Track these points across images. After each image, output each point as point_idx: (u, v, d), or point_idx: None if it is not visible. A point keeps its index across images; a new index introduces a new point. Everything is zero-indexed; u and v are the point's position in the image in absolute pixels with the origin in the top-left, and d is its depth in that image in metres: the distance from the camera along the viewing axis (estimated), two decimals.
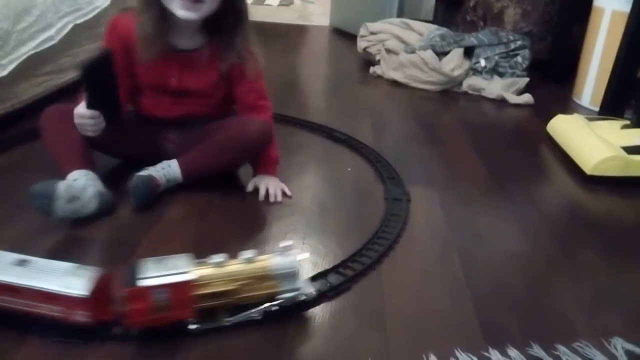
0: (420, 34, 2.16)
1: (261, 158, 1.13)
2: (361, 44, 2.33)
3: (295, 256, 0.77)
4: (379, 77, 2.15)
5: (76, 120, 0.96)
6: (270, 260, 0.76)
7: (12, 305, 0.70)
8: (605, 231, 1.10)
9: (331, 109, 1.81)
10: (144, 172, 1.03)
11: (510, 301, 0.85)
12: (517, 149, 1.53)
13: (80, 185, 0.97)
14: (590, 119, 1.52)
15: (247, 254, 0.77)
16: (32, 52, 1.36)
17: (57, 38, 1.46)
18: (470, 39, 2.02)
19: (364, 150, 1.39)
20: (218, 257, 0.76)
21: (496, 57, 1.99)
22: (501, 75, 2.00)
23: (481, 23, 2.30)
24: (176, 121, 1.13)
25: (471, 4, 2.30)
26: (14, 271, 0.71)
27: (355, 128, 1.55)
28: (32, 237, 0.92)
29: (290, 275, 0.76)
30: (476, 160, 1.41)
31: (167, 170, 1.06)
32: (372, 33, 2.30)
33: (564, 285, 0.91)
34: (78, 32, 1.57)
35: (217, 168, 1.09)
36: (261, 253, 0.79)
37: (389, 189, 1.17)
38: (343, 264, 0.89)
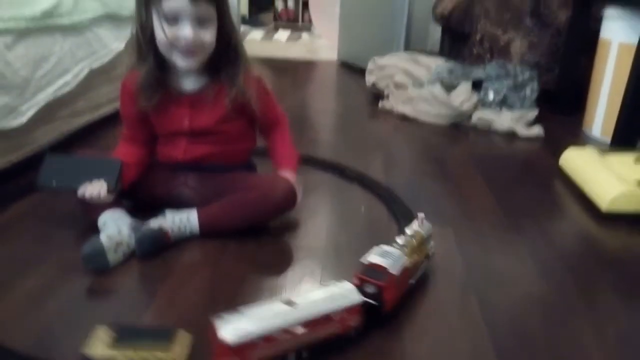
0: (428, 68, 2.19)
1: (280, 170, 1.18)
2: (369, 78, 2.36)
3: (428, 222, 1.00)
4: (388, 111, 2.17)
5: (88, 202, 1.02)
6: (424, 227, 0.99)
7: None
8: (625, 269, 1.09)
9: (342, 144, 1.82)
10: (154, 224, 1.04)
11: (532, 348, 0.84)
12: (529, 183, 1.53)
13: (116, 229, 0.99)
14: (603, 152, 1.52)
15: (408, 230, 0.97)
16: (50, 97, 1.39)
17: (74, 83, 1.49)
18: (478, 73, 2.05)
19: (376, 188, 1.39)
20: (400, 240, 0.94)
21: (505, 90, 2.01)
22: (510, 107, 2.02)
23: (488, 56, 2.32)
24: (194, 165, 1.14)
25: (477, 37, 2.33)
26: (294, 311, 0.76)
27: (367, 164, 1.56)
28: (52, 289, 0.92)
29: (431, 236, 1.01)
30: (489, 195, 1.41)
31: (185, 223, 1.07)
32: (380, 67, 2.34)
33: (585, 330, 0.89)
34: (93, 76, 1.61)
35: (237, 226, 1.09)
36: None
37: (403, 228, 1.17)
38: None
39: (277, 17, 4.85)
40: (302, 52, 3.68)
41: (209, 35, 1.01)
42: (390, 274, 0.84)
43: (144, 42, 1.01)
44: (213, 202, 1.10)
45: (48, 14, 1.39)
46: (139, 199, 1.17)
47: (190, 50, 1.00)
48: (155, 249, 1.02)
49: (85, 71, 1.55)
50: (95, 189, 1.00)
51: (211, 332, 0.71)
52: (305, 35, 4.47)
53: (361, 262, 0.88)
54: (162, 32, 0.98)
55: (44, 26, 1.37)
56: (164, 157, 1.16)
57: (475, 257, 1.08)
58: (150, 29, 1.00)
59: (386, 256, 0.88)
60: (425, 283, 0.98)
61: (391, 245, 0.92)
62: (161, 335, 0.76)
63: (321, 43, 4.03)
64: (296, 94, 2.53)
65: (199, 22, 0.99)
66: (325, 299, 0.79)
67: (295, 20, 4.90)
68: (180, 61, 1.02)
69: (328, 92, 2.73)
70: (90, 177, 1.01)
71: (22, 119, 1.29)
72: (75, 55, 1.51)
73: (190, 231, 1.07)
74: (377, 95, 2.36)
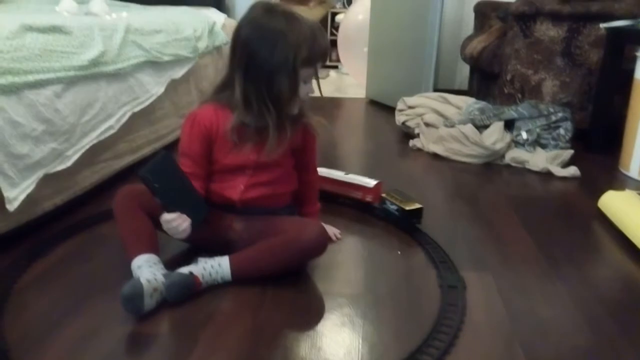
0: (459, 108, 2.20)
1: (306, 214, 1.26)
2: (399, 117, 2.38)
3: None
4: (419, 150, 2.17)
5: (164, 227, 1.02)
6: None
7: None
8: None
9: None
10: (184, 270, 1.05)
11: None
12: (568, 225, 1.50)
13: (152, 275, 1.01)
14: None
15: None
16: (94, 141, 1.45)
17: (117, 127, 1.55)
18: (510, 112, 2.04)
19: (411, 231, 1.38)
20: None
21: (538, 130, 2.00)
22: (544, 147, 2.00)
23: (519, 95, 2.32)
24: (245, 208, 1.16)
25: (508, 77, 2.33)
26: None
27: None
28: (92, 335, 0.94)
29: None
30: (527, 238, 1.39)
31: (217, 269, 1.08)
32: (410, 107, 2.36)
33: None
34: (135, 119, 1.67)
35: (269, 271, 1.10)
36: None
37: (442, 274, 1.16)
38: None
39: None
40: (330, 89, 3.74)
41: (310, 89, 1.13)
42: None
43: (268, 99, 1.06)
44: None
45: (95, 62, 1.45)
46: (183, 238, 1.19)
47: (302, 101, 1.12)
48: (184, 294, 1.02)
49: (128, 115, 1.61)
50: (182, 222, 1.01)
51: None
52: (332, 73, 4.54)
53: None
54: (296, 91, 1.07)
55: (90, 74, 1.44)
56: (217, 197, 1.16)
57: (518, 307, 1.06)
58: (280, 90, 1.05)
59: None
60: (468, 333, 0.96)
61: None
62: None
63: (349, 81, 4.09)
64: (326, 131, 2.56)
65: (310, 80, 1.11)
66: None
67: None
68: (295, 109, 1.11)
69: (357, 130, 2.76)
70: (183, 205, 1.01)
71: (68, 163, 1.34)
72: (118, 101, 1.57)
73: (222, 277, 1.08)
74: (407, 134, 2.37)
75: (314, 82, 1.13)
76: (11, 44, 1.20)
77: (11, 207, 1.17)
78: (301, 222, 1.16)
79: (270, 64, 1.03)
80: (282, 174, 1.18)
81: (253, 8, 1.08)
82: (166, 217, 1.01)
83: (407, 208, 1.40)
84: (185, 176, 1.04)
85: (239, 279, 1.09)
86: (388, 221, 1.45)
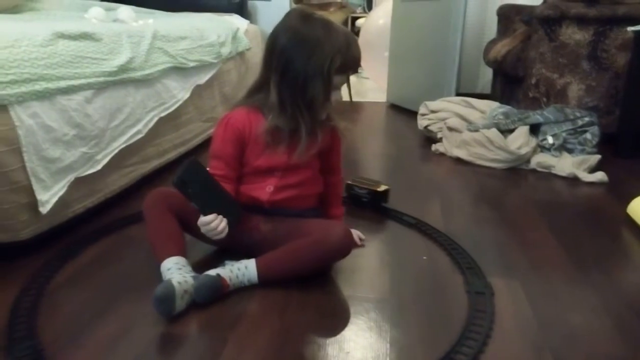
0: (482, 112, 2.18)
1: (330, 216, 1.28)
2: (422, 122, 2.37)
3: None
4: (442, 154, 2.16)
5: (202, 230, 1.04)
6: None
7: None
8: None
9: (397, 188, 1.81)
10: (213, 272, 1.06)
11: None
12: (596, 231, 1.47)
13: (182, 277, 1.02)
14: None
15: None
16: (123, 146, 1.47)
17: (145, 131, 1.58)
18: (536, 117, 2.02)
19: (436, 236, 1.38)
20: None
21: (564, 134, 1.97)
22: (570, 152, 1.97)
23: (544, 99, 2.30)
24: (272, 209, 1.17)
25: (532, 81, 2.31)
26: None
27: (424, 210, 1.55)
28: (123, 336, 0.95)
29: None
30: (555, 244, 1.37)
31: (244, 271, 1.09)
32: (433, 111, 2.35)
33: None
34: (161, 124, 1.70)
35: (294, 273, 1.11)
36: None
37: (469, 280, 1.15)
38: None
39: None
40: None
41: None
42: None
43: (302, 104, 1.08)
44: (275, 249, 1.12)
45: (123, 68, 1.48)
46: (210, 240, 1.20)
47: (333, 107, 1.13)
48: (212, 296, 1.04)
49: (155, 120, 1.63)
50: (220, 224, 1.03)
51: None
52: (352, 77, 4.55)
53: None
54: (329, 97, 1.09)
55: (119, 80, 1.47)
56: (245, 198, 1.17)
57: (548, 314, 1.05)
58: (314, 95, 1.06)
59: None
60: (498, 339, 0.95)
61: None
62: None
63: (369, 85, 4.09)
64: (347, 135, 2.56)
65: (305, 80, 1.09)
66: None
67: None
68: (324, 114, 1.13)
69: (379, 134, 2.75)
70: (218, 207, 1.04)
71: (98, 167, 1.37)
72: (146, 106, 1.60)
73: (249, 280, 1.09)
74: (429, 138, 2.36)
75: (344, 87, 1.15)
76: (44, 51, 1.23)
77: (44, 209, 1.19)
78: (326, 224, 1.16)
79: (306, 71, 1.05)
80: (310, 176, 1.20)
81: (290, 15, 1.10)
82: (204, 219, 1.02)
83: (378, 190, 1.54)
84: (215, 179, 1.06)
85: (266, 281, 1.10)
86: (357, 205, 1.57)
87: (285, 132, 1.11)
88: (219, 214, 1.03)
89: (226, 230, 1.05)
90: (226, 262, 1.11)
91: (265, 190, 1.16)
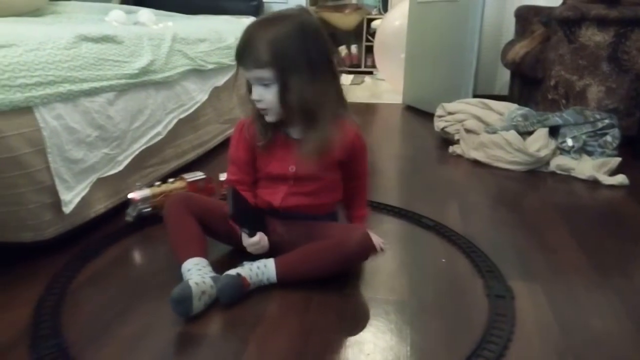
0: (500, 114, 2.17)
1: (353, 217, 1.25)
2: (439, 123, 2.36)
3: None
4: (459, 156, 2.15)
5: (249, 250, 1.13)
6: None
7: None
8: None
9: (414, 191, 1.82)
10: (233, 272, 1.07)
11: None
12: (617, 234, 1.45)
13: (200, 278, 1.03)
14: None
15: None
16: (144, 147, 1.49)
17: (164, 133, 1.59)
18: (555, 119, 2.00)
19: (455, 239, 1.37)
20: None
21: (584, 137, 1.95)
22: (590, 154, 1.95)
23: (563, 101, 2.27)
24: (287, 214, 1.18)
25: (551, 82, 2.29)
26: None
27: (442, 212, 1.55)
28: (145, 335, 0.96)
29: None
30: (575, 247, 1.35)
31: (263, 270, 1.10)
32: (450, 113, 2.34)
33: None
34: (180, 125, 1.71)
35: (313, 275, 1.11)
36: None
37: (489, 283, 1.14)
38: None
39: (340, 63, 4.98)
40: (366, 95, 3.74)
41: (269, 95, 1.07)
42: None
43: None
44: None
45: (144, 71, 1.50)
46: (229, 242, 1.23)
47: (261, 107, 1.09)
48: (236, 295, 1.05)
49: (174, 122, 1.65)
50: (263, 240, 1.12)
51: None
52: (368, 79, 4.55)
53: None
54: (250, 92, 1.11)
55: (140, 82, 1.49)
56: (261, 202, 1.19)
57: (570, 319, 1.03)
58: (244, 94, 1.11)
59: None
60: (519, 343, 0.94)
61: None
62: None
63: (384, 87, 4.08)
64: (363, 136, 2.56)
65: (263, 84, 1.06)
66: None
67: (358, 65, 5.01)
68: (265, 116, 1.11)
69: (395, 136, 2.75)
70: (259, 225, 1.14)
71: (119, 168, 1.39)
72: (166, 108, 1.61)
73: (268, 278, 1.10)
74: (445, 140, 2.35)
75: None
76: (68, 53, 1.25)
77: (67, 209, 1.21)
78: (346, 228, 1.17)
79: None
80: (324, 186, 1.18)
81: None
82: (252, 240, 1.11)
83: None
84: (247, 200, 1.14)
85: (284, 281, 1.10)
86: None
87: (291, 140, 1.13)
88: (261, 232, 1.12)
89: (267, 244, 1.12)
90: (244, 262, 1.12)
91: (277, 196, 1.17)
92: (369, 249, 1.12)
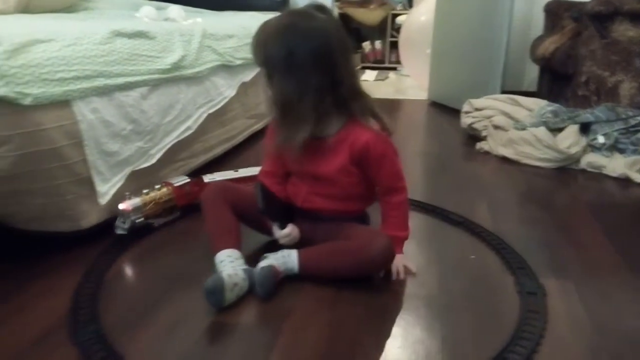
0: (530, 110, 2.14)
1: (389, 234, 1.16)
2: (466, 120, 2.34)
3: None
4: (487, 153, 2.13)
5: (281, 242, 1.16)
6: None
7: None
8: None
9: (441, 187, 1.80)
10: (265, 263, 1.08)
11: None
12: None
13: (233, 270, 1.05)
14: None
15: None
16: (175, 141, 1.52)
17: (194, 127, 1.62)
18: (586, 115, 1.97)
19: (484, 235, 1.36)
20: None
21: (615, 134, 1.91)
22: (622, 152, 1.91)
23: (594, 98, 2.23)
24: (310, 214, 1.19)
25: (582, 79, 2.25)
26: None
27: (471, 209, 1.54)
28: (180, 324, 0.99)
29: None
30: (608, 245, 1.33)
31: (287, 259, 1.11)
32: (477, 109, 2.31)
33: None
34: (209, 120, 1.74)
35: (333, 274, 1.11)
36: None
37: (520, 280, 1.13)
38: None
39: (364, 58, 4.96)
40: (390, 91, 3.73)
41: (270, 92, 1.09)
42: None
43: None
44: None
45: (176, 66, 1.53)
46: (262, 231, 1.25)
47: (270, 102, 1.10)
48: (273, 285, 1.06)
49: (204, 117, 1.67)
50: (294, 231, 1.16)
51: None
52: (392, 75, 4.53)
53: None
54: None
55: (171, 77, 1.51)
56: (290, 197, 1.21)
57: (604, 317, 1.02)
58: None
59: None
60: (551, 341, 0.94)
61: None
62: None
63: (409, 83, 4.06)
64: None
65: (267, 79, 1.08)
66: None
67: (382, 60, 4.99)
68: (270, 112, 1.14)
69: (421, 132, 2.73)
70: (289, 217, 1.18)
71: (152, 161, 1.42)
72: (196, 103, 1.64)
73: (291, 268, 1.11)
74: (472, 136, 2.33)
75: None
76: (103, 48, 1.28)
77: (102, 200, 1.25)
78: (370, 233, 1.14)
79: None
80: (343, 191, 1.15)
81: None
82: (284, 232, 1.15)
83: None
84: (274, 194, 1.17)
85: (305, 272, 1.11)
86: None
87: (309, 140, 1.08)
88: (292, 223, 1.16)
89: (298, 235, 1.16)
90: (266, 254, 1.13)
91: (299, 195, 1.19)
92: (390, 259, 1.11)
